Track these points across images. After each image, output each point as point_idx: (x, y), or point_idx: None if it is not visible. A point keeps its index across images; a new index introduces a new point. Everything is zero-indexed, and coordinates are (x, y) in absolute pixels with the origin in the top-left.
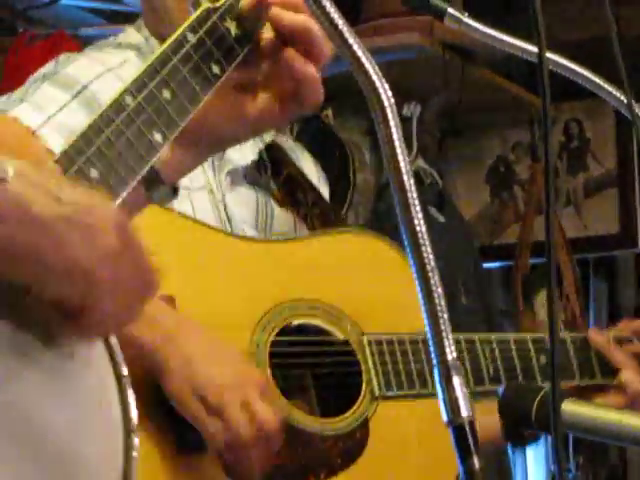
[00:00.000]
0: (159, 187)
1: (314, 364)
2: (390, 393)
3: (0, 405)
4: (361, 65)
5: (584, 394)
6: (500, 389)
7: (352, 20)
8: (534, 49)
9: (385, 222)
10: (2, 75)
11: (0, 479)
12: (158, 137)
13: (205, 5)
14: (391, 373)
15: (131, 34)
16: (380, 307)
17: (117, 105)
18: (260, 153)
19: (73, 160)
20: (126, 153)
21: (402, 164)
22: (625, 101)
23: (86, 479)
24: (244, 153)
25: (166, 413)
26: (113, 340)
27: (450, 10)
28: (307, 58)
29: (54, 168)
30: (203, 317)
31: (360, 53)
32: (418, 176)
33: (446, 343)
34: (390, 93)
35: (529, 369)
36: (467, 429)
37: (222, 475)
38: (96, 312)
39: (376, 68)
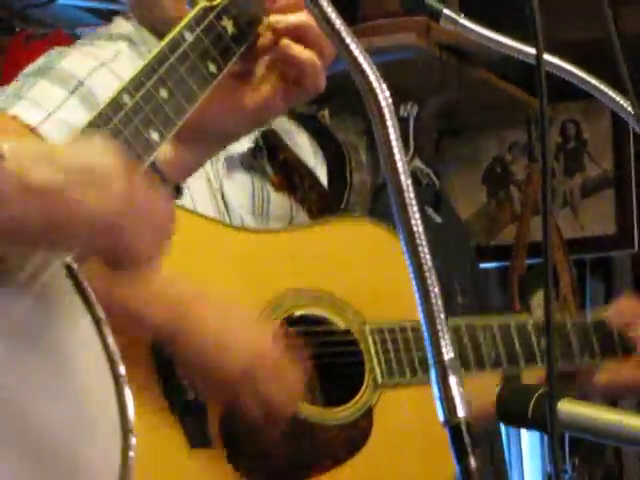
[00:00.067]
0: (162, 187)
1: (317, 354)
2: (393, 381)
3: None
4: (358, 65)
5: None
6: (496, 388)
7: (349, 20)
8: (530, 50)
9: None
10: (0, 74)
11: None
12: (155, 136)
13: (202, 4)
14: (393, 361)
15: (121, 24)
16: (382, 295)
17: (115, 104)
18: (256, 139)
19: None
20: (124, 152)
21: (399, 164)
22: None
23: (84, 477)
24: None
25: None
26: (110, 340)
27: (446, 11)
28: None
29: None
30: None
31: (358, 53)
32: (415, 176)
33: (442, 343)
34: (387, 93)
35: (530, 353)
36: (463, 429)
37: (230, 470)
38: (134, 248)
39: (374, 68)
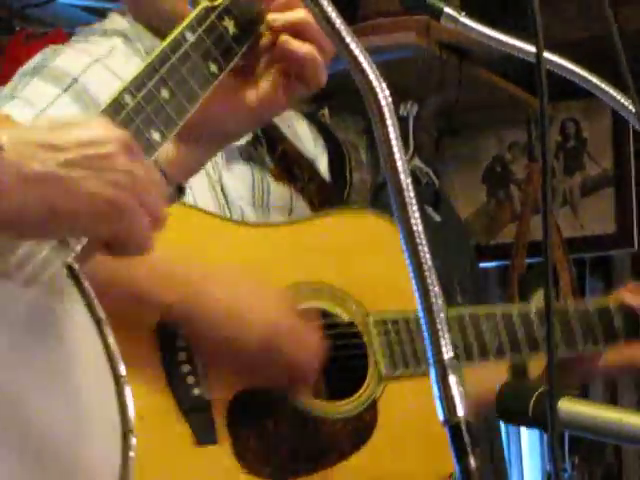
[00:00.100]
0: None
1: None
2: (397, 373)
3: None
4: (358, 64)
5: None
6: (497, 386)
7: (349, 19)
8: (531, 49)
9: None
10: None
11: None
12: (156, 136)
13: (203, 4)
14: (397, 353)
15: (116, 20)
16: (383, 285)
17: (116, 104)
18: (255, 131)
19: None
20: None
21: (399, 163)
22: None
23: (84, 478)
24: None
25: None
26: (111, 340)
27: (447, 10)
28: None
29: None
30: None
31: (358, 52)
32: (414, 175)
33: (442, 342)
34: (387, 92)
35: (533, 340)
36: (463, 428)
37: (237, 465)
38: (134, 232)
39: (373, 67)
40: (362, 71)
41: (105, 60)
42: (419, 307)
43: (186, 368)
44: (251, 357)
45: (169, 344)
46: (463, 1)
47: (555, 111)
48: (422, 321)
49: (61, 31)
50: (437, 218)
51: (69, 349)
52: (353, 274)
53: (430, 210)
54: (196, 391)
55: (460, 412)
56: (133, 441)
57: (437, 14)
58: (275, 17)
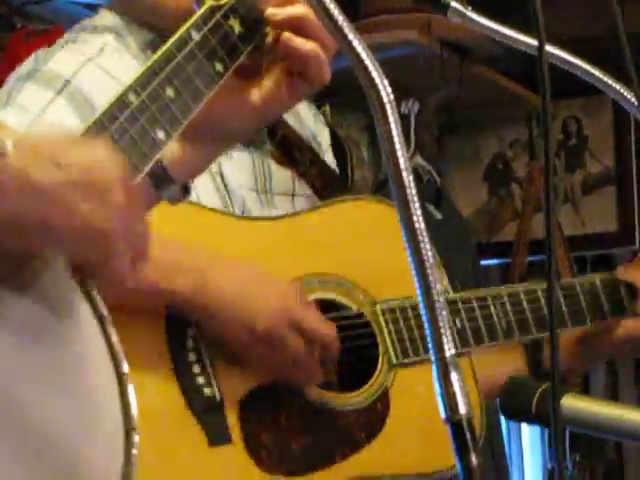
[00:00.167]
0: (169, 186)
1: None
2: (407, 360)
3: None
4: (361, 61)
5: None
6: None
7: (351, 16)
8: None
9: None
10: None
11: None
12: (161, 135)
13: (209, 3)
14: (406, 340)
15: (105, 15)
16: (389, 272)
17: (121, 102)
18: None
19: None
20: (130, 151)
21: (401, 160)
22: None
23: (87, 478)
24: None
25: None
26: (114, 338)
27: (453, 4)
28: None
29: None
30: None
31: (360, 49)
32: (416, 173)
33: (444, 340)
34: (389, 89)
35: (541, 319)
36: (465, 426)
37: (251, 463)
38: (115, 264)
39: (376, 64)
40: (365, 68)
41: (97, 59)
42: (421, 305)
43: (196, 369)
44: (267, 342)
45: (178, 345)
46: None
47: (556, 109)
48: (424, 319)
49: (62, 28)
50: (438, 216)
51: (71, 347)
52: (357, 263)
53: (431, 208)
54: (207, 391)
55: (462, 409)
56: (136, 439)
57: (444, 8)
58: (275, 11)
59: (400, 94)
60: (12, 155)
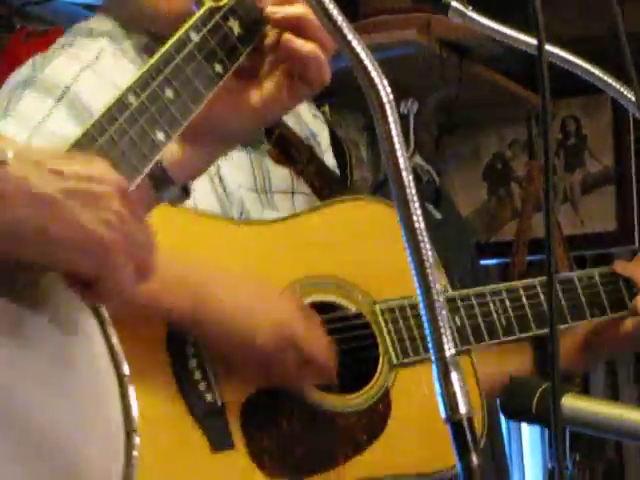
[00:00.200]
0: (169, 187)
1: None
2: (407, 360)
3: (1, 405)
4: (360, 61)
5: (597, 331)
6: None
7: (350, 16)
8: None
9: None
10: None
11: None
12: (161, 136)
13: (208, 4)
14: (406, 339)
15: (101, 19)
16: (388, 271)
17: (120, 104)
18: None
19: None
20: (129, 152)
21: (401, 160)
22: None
23: (86, 478)
24: None
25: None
26: (114, 340)
27: (454, 4)
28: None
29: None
30: None
31: (359, 49)
32: (415, 173)
33: (444, 339)
34: (389, 89)
35: (540, 314)
36: (465, 425)
37: (253, 467)
38: (114, 276)
39: (375, 64)
40: (364, 68)
41: (94, 66)
42: (421, 304)
43: (197, 375)
44: (265, 358)
45: (179, 352)
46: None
47: (555, 108)
48: (424, 318)
49: (62, 29)
50: (438, 216)
51: (72, 349)
52: (357, 263)
53: (431, 208)
54: (208, 397)
55: (462, 409)
56: (137, 440)
57: (444, 8)
58: (275, 9)
59: (399, 94)
60: (13, 164)
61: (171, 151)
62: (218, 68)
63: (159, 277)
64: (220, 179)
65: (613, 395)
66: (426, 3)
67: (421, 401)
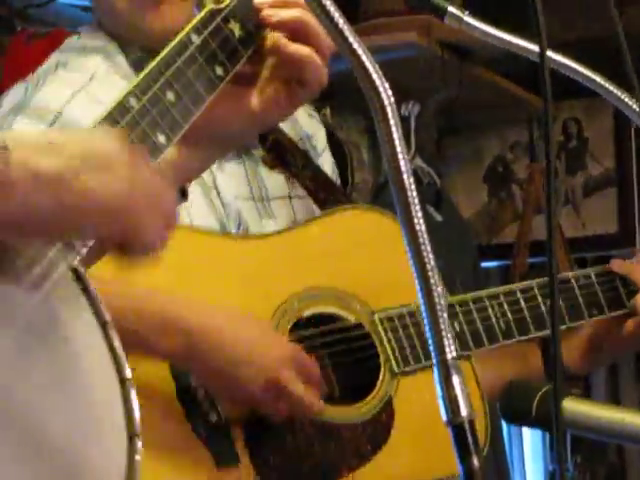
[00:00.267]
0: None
1: (332, 354)
2: (409, 368)
3: (1, 405)
4: (361, 63)
5: (599, 333)
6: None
7: (351, 19)
8: (535, 48)
9: None
10: (1, 74)
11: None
12: (162, 139)
13: (209, 7)
14: (407, 347)
15: (94, 33)
16: (388, 282)
17: (121, 107)
18: None
19: None
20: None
21: (402, 163)
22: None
23: (87, 478)
24: None
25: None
26: (116, 343)
27: (451, 9)
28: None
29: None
30: None
31: (360, 52)
32: (416, 175)
33: (446, 342)
34: (390, 92)
35: (539, 316)
36: (466, 428)
37: None
38: (143, 231)
39: (376, 67)
40: (365, 70)
41: (88, 87)
42: (422, 307)
43: (200, 393)
44: (257, 400)
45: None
46: (465, 0)
47: (557, 111)
48: (425, 321)
49: (63, 31)
50: (439, 218)
51: (74, 351)
52: (356, 273)
53: (432, 210)
54: (213, 416)
55: (463, 412)
56: (139, 445)
57: (441, 13)
58: (271, 12)
59: (400, 96)
60: (14, 149)
61: (168, 153)
62: (219, 71)
63: (151, 319)
64: (217, 191)
65: (614, 394)
66: (423, 8)
67: (423, 409)
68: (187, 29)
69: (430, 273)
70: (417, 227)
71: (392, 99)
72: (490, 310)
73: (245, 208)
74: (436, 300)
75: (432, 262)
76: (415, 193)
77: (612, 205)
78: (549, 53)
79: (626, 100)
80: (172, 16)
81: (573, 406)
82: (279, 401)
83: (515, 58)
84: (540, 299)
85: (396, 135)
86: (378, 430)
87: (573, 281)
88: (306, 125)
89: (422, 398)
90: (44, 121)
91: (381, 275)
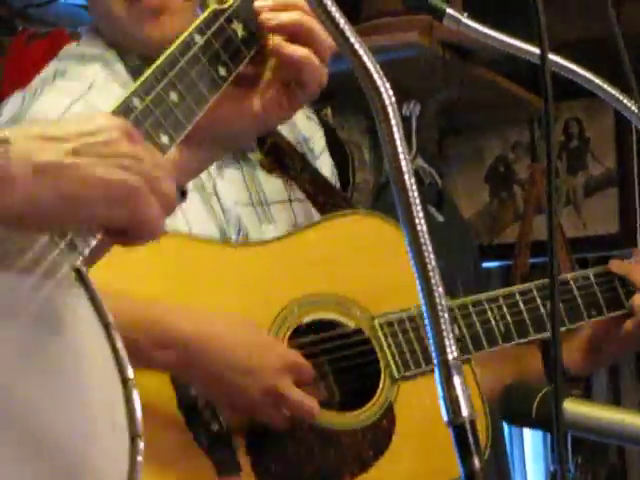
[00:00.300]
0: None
1: (332, 360)
2: (409, 373)
3: (1, 404)
4: (362, 64)
5: (599, 334)
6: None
7: (352, 19)
8: (534, 50)
9: None
10: (2, 74)
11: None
12: (165, 139)
13: (212, 7)
14: (407, 352)
15: (92, 41)
16: (387, 287)
17: (125, 107)
18: None
19: None
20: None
21: (403, 163)
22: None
23: (88, 478)
24: None
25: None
26: (119, 344)
27: (449, 11)
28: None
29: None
30: None
31: (362, 52)
32: (417, 175)
33: (447, 342)
34: (391, 92)
35: (538, 318)
36: (467, 429)
37: None
38: (147, 216)
39: (377, 67)
40: (366, 70)
41: (86, 96)
42: (423, 307)
43: (201, 402)
44: (256, 409)
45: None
46: (465, 2)
47: (558, 111)
48: (426, 322)
49: (63, 31)
50: (440, 218)
51: (76, 352)
52: (355, 279)
53: (433, 210)
54: (214, 425)
55: (464, 413)
56: (141, 446)
57: (440, 15)
58: (269, 16)
59: (402, 96)
60: (14, 142)
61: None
62: (222, 71)
63: (148, 332)
64: (217, 197)
65: (615, 394)
66: (422, 10)
67: (424, 414)
68: (190, 29)
69: (431, 273)
70: (418, 227)
71: (393, 99)
72: (489, 313)
73: (245, 213)
74: (437, 300)
75: (433, 262)
76: (416, 193)
77: (613, 205)
78: (550, 55)
79: (625, 102)
80: (172, 26)
81: (573, 407)
82: (278, 407)
83: (516, 58)
84: (539, 301)
85: (397, 135)
86: (379, 436)
87: (572, 282)
88: (304, 128)
89: (423, 403)
90: None
91: (381, 280)
